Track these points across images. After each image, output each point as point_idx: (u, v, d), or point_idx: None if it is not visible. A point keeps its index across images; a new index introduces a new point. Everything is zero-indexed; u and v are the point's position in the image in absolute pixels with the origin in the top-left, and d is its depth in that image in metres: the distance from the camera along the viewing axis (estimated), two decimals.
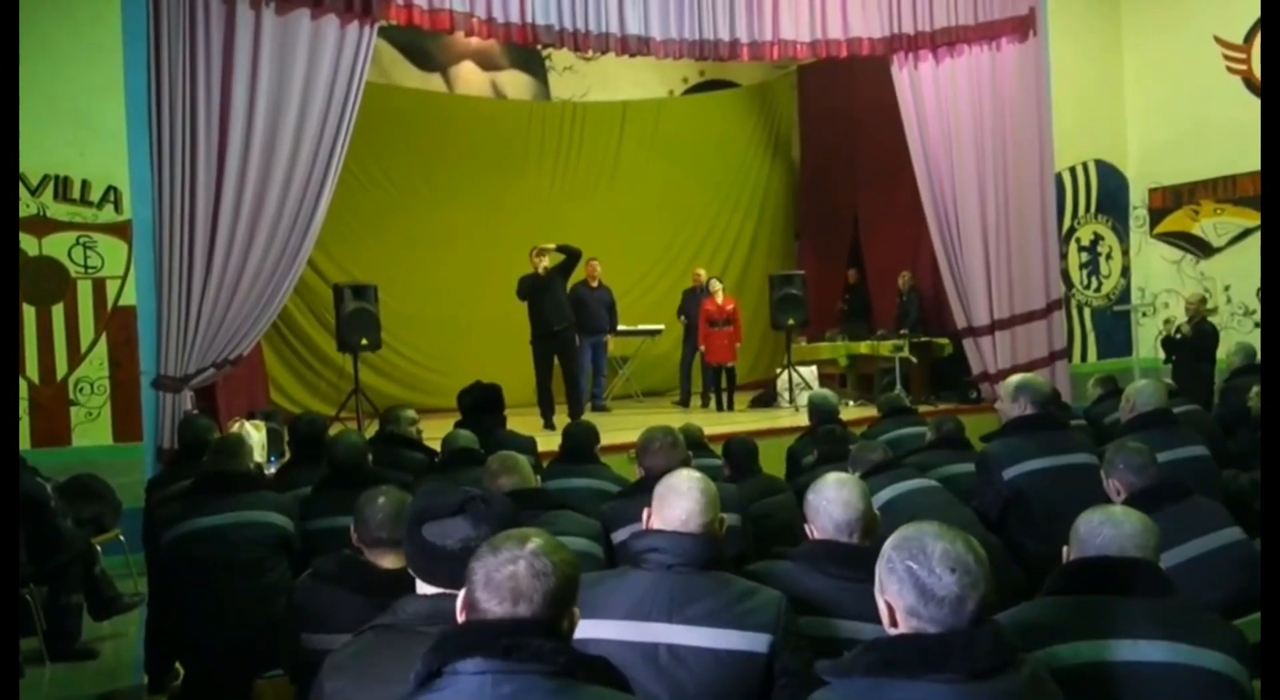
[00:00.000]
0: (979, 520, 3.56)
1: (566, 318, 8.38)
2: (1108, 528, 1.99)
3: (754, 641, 2.01)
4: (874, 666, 1.54)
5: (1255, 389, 5.29)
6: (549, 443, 5.58)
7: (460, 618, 1.56)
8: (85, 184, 6.16)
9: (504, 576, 1.50)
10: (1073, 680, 1.72)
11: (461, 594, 1.55)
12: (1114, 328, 9.87)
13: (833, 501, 2.34)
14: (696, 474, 2.28)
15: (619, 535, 3.15)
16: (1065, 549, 2.08)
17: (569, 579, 1.54)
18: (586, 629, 1.97)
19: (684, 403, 10.09)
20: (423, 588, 1.95)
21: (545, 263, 8.39)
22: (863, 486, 2.42)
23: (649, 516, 2.25)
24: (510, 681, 1.43)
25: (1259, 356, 6.49)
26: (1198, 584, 2.68)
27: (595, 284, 9.46)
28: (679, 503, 2.17)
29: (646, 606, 2.06)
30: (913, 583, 1.58)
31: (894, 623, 1.62)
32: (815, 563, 2.29)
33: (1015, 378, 4.12)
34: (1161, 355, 8.99)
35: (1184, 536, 2.74)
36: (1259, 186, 8.88)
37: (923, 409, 7.54)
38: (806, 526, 2.42)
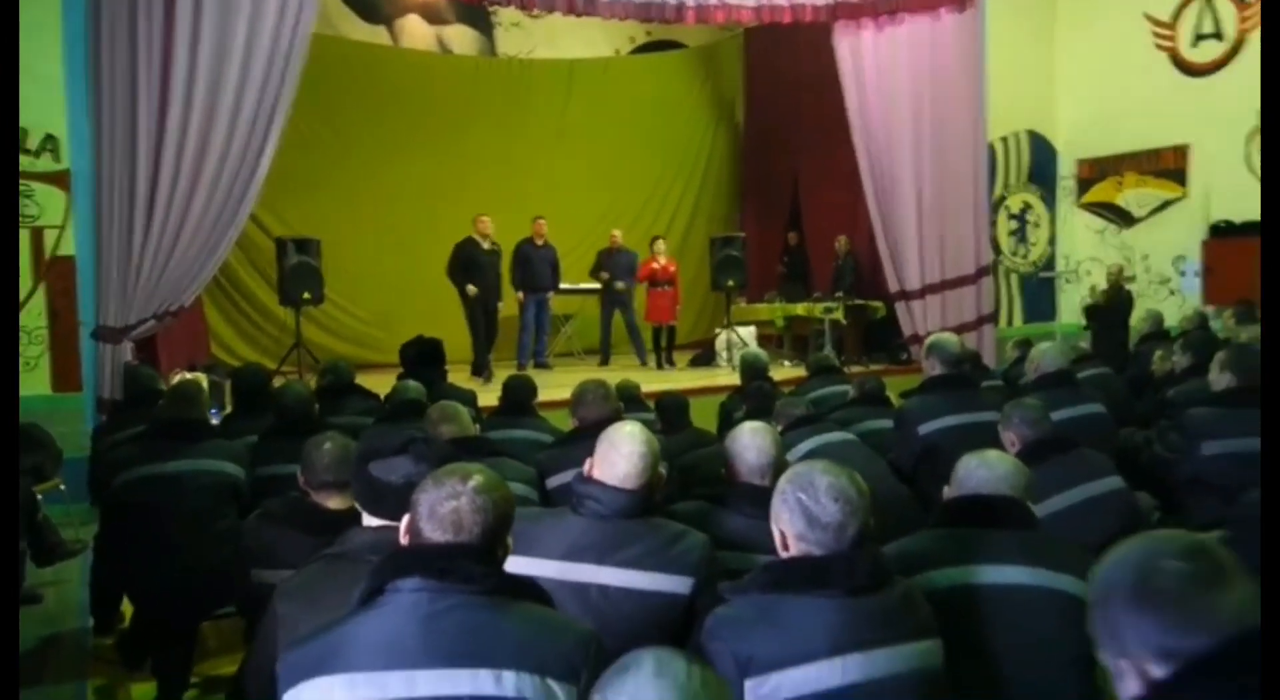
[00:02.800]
0: (893, 471, 3.81)
1: (495, 292, 8.89)
2: (982, 470, 2.23)
3: (678, 584, 2.20)
4: (767, 585, 1.76)
5: (1159, 353, 5.63)
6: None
7: (404, 542, 1.72)
8: (23, 132, 6.09)
9: (447, 510, 1.67)
10: (947, 601, 1.96)
11: (405, 520, 1.72)
12: (1039, 293, 10.25)
13: (748, 448, 2.55)
14: (641, 432, 2.39)
15: (553, 481, 3.33)
16: (945, 488, 2.31)
17: (505, 515, 1.72)
18: (526, 566, 2.15)
19: (604, 361, 10.11)
20: (368, 520, 2.12)
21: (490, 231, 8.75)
22: (775, 434, 2.63)
23: (590, 465, 2.39)
24: (444, 599, 1.60)
25: (1166, 323, 6.87)
26: (1079, 527, 2.94)
27: (540, 242, 9.53)
28: (621, 463, 2.31)
29: (581, 549, 2.24)
30: (802, 511, 1.80)
31: (785, 547, 1.85)
32: (734, 504, 2.50)
33: (930, 338, 4.37)
34: (1083, 321, 9.39)
35: (1069, 484, 3.00)
36: (1179, 160, 9.28)
37: (854, 369, 7.81)
38: (725, 471, 2.62)
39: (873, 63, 8.99)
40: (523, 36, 11.66)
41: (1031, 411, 3.15)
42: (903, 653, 1.78)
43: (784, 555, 1.86)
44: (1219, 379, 3.65)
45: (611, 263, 9.85)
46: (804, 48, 10.39)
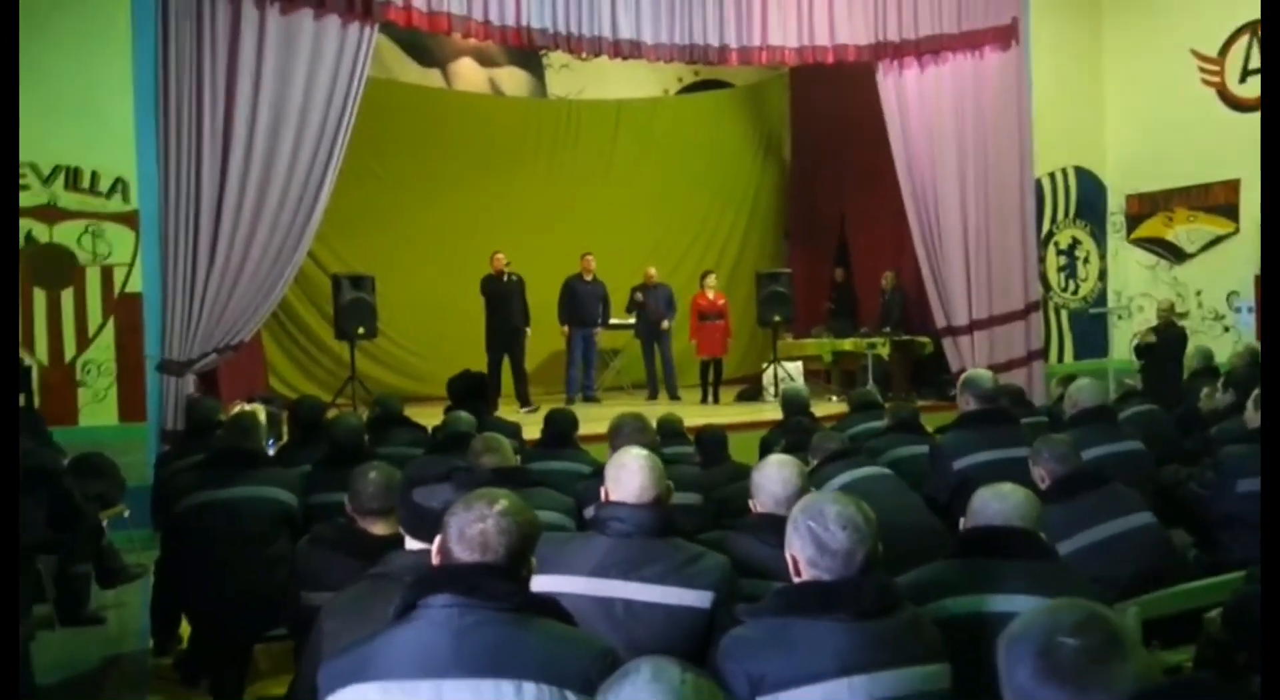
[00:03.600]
0: (927, 505, 3.84)
1: (518, 320, 9.21)
2: (995, 502, 2.30)
3: (699, 598, 2.30)
4: (780, 608, 1.86)
5: (1205, 390, 5.59)
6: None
7: (435, 562, 1.85)
8: (94, 175, 6.43)
9: (474, 532, 1.79)
10: (958, 627, 2.03)
11: (437, 541, 1.84)
12: (1090, 330, 10.16)
13: (773, 480, 2.64)
14: (642, 451, 2.56)
15: (591, 511, 3.43)
16: (962, 520, 2.38)
17: (529, 536, 1.84)
18: (556, 584, 2.27)
19: (653, 395, 10.21)
20: (411, 544, 2.24)
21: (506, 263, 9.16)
22: (800, 466, 2.72)
23: (606, 492, 2.53)
24: (472, 614, 1.72)
25: (1216, 359, 6.79)
26: (1109, 562, 2.98)
27: (589, 277, 9.70)
28: (632, 479, 2.46)
29: (606, 566, 2.35)
30: (812, 539, 1.89)
31: (797, 573, 1.94)
32: (757, 532, 2.59)
33: (964, 374, 4.41)
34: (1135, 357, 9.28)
35: (1098, 519, 3.03)
36: (1230, 195, 9.19)
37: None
38: (751, 501, 2.71)
39: (916, 101, 9.07)
40: (572, 77, 11.94)
41: (1060, 447, 3.19)
42: (908, 675, 1.85)
43: (796, 580, 1.95)
44: (1254, 417, 3.65)
45: (647, 297, 9.99)
46: (849, 86, 10.46)
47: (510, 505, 1.83)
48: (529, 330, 9.39)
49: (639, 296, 10.05)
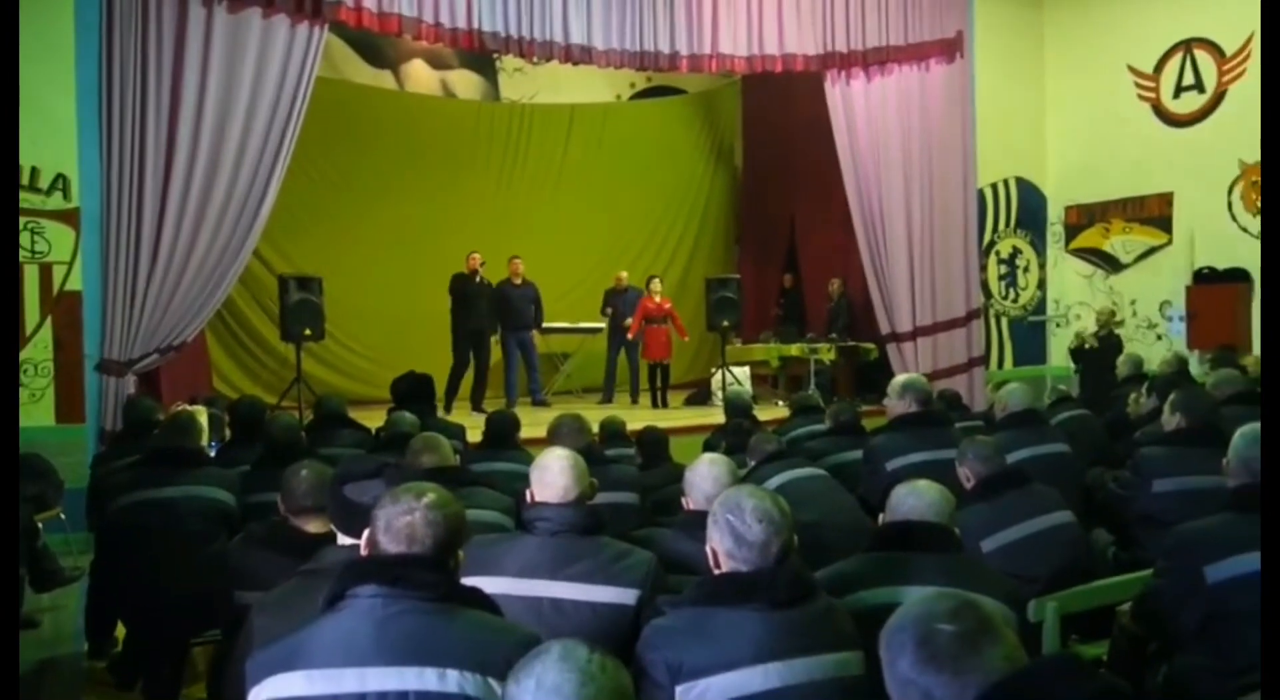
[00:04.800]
0: (861, 505, 3.94)
1: (486, 322, 9.24)
2: (911, 498, 2.39)
3: (624, 596, 2.35)
4: (699, 599, 1.93)
5: (1133, 396, 5.77)
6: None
7: (364, 554, 1.88)
8: (35, 171, 6.33)
9: (401, 524, 1.83)
10: (874, 619, 2.08)
11: (365, 534, 1.88)
12: (1030, 337, 10.40)
13: (705, 478, 2.71)
14: (564, 451, 2.63)
15: None
16: (880, 515, 2.46)
17: (456, 529, 1.88)
18: (483, 584, 2.29)
19: (608, 399, 10.29)
20: (343, 540, 2.27)
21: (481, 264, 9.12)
22: (732, 465, 2.79)
23: (531, 494, 2.59)
24: (397, 603, 1.76)
25: (1148, 366, 7.01)
26: (1029, 559, 3.09)
27: (519, 281, 9.66)
28: (557, 480, 2.52)
29: (533, 566, 2.39)
30: (730, 531, 1.96)
31: (717, 564, 2.02)
32: (688, 529, 2.65)
33: (901, 378, 4.53)
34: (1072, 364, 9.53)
35: (1019, 518, 3.14)
36: (1163, 208, 9.48)
37: None
38: (683, 499, 2.78)
39: (863, 111, 9.23)
40: (526, 82, 11.96)
41: (984, 448, 3.30)
42: (822, 662, 1.93)
43: (716, 572, 2.02)
44: (1169, 420, 3.80)
45: (619, 301, 10.06)
46: (800, 94, 10.62)
47: (438, 498, 1.87)
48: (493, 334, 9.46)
49: (613, 300, 10.17)
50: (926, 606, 1.42)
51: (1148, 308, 9.67)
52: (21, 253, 6.30)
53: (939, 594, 1.46)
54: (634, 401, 10.09)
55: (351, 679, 1.69)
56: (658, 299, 10.09)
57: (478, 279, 9.24)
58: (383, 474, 2.29)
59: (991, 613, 1.40)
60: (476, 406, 9.14)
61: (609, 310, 10.18)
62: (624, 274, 10.40)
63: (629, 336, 10.00)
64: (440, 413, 7.96)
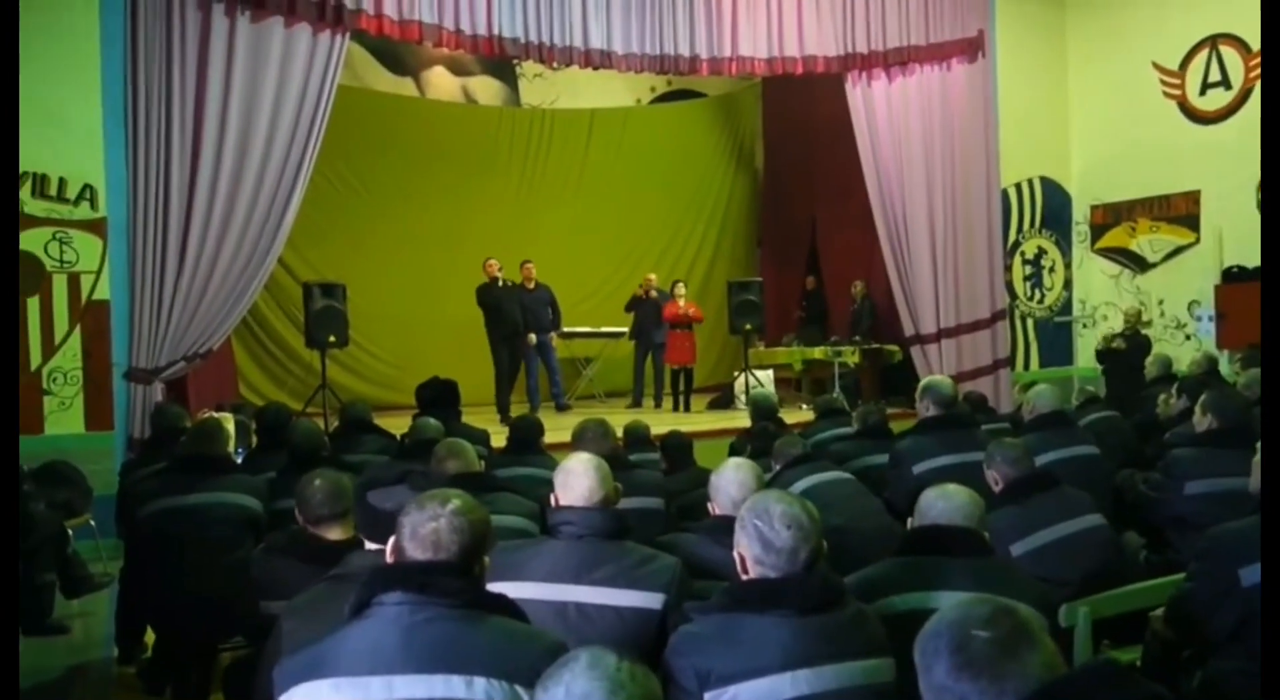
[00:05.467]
0: (887, 509, 3.91)
1: (519, 324, 9.11)
2: (941, 502, 2.36)
3: (650, 600, 2.34)
4: (727, 605, 1.92)
5: (1163, 397, 5.70)
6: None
7: (389, 561, 1.88)
8: (62, 181, 6.40)
9: (427, 531, 1.83)
10: (903, 623, 2.06)
11: (391, 542, 1.88)
12: (1056, 338, 10.31)
13: (730, 482, 2.70)
14: (588, 455, 2.63)
15: None
16: (907, 520, 2.44)
17: (481, 535, 1.88)
18: (509, 589, 2.29)
19: (636, 403, 10.28)
20: (370, 546, 2.27)
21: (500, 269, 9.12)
22: (757, 470, 2.77)
23: (556, 498, 2.58)
24: (424, 611, 1.76)
25: (1176, 367, 6.93)
26: (1060, 563, 3.05)
27: (532, 285, 9.55)
28: (579, 482, 2.51)
29: (559, 571, 2.38)
30: (758, 537, 1.95)
31: (745, 570, 2.00)
32: (714, 534, 2.63)
33: (924, 380, 4.48)
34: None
35: (1049, 521, 3.10)
36: (1190, 206, 9.37)
37: None
38: (709, 504, 2.76)
39: (884, 112, 9.18)
40: (546, 87, 11.99)
41: (1012, 451, 3.26)
42: (851, 669, 1.91)
43: (743, 578, 2.00)
44: (1201, 421, 3.75)
45: (647, 305, 10.05)
46: (821, 96, 10.58)
47: (463, 505, 1.87)
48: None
49: (643, 304, 10.16)
50: (962, 612, 1.40)
51: (1176, 307, 9.56)
52: (49, 262, 6.38)
53: (975, 599, 1.44)
54: (657, 405, 10.07)
55: (379, 687, 1.68)
56: (681, 303, 10.07)
57: (500, 283, 9.19)
58: (407, 480, 2.29)
59: (1029, 618, 1.38)
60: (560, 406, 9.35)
61: (640, 292, 10.19)
62: (653, 277, 10.42)
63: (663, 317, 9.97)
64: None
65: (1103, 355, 9.13)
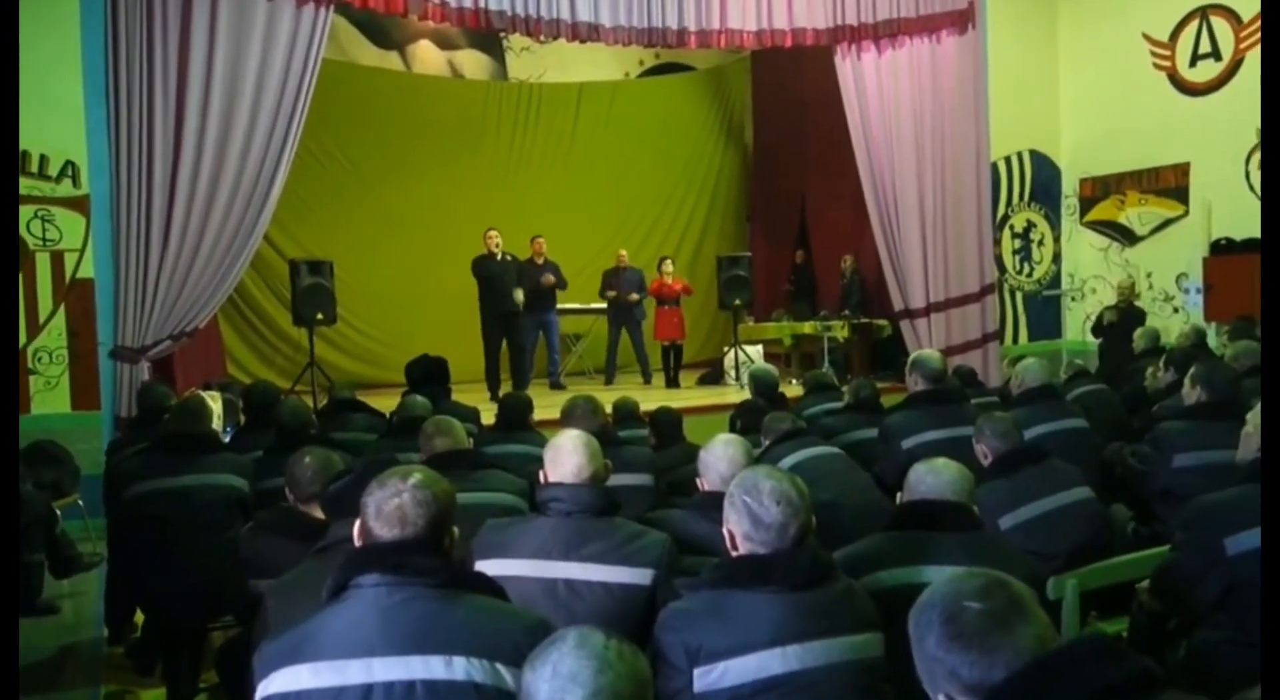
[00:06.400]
0: (877, 484, 3.91)
1: (515, 302, 8.89)
2: (930, 476, 2.36)
3: (639, 576, 2.34)
4: (716, 581, 1.92)
5: (1150, 369, 5.72)
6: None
7: (357, 543, 1.88)
8: (44, 159, 6.33)
9: (391, 507, 1.82)
10: (892, 599, 2.08)
11: (357, 524, 1.87)
12: (1044, 311, 10.32)
13: (719, 458, 2.69)
14: (577, 432, 2.63)
15: None
16: (899, 495, 2.44)
17: (446, 505, 1.86)
18: (497, 567, 2.30)
19: (609, 380, 10.16)
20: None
21: (499, 243, 8.80)
22: (747, 446, 2.77)
23: (545, 475, 2.57)
24: (401, 591, 1.74)
25: (1165, 339, 6.94)
26: (1049, 535, 3.06)
27: (540, 260, 9.52)
28: (569, 459, 2.51)
29: (548, 547, 2.38)
30: (747, 513, 1.94)
31: (734, 546, 1.99)
32: (703, 510, 2.64)
33: (912, 355, 4.48)
34: (1090, 337, 9.45)
35: (1038, 494, 3.11)
36: (1180, 178, 9.37)
37: None
38: (698, 480, 2.76)
39: (874, 84, 9.13)
40: (533, 61, 11.89)
41: (1001, 424, 3.26)
42: (840, 644, 1.91)
43: (733, 554, 2.00)
44: (1190, 393, 3.75)
45: (619, 281, 9.99)
46: (810, 69, 10.51)
47: (424, 478, 1.86)
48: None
49: (613, 280, 10.01)
50: (956, 584, 1.40)
51: (1164, 280, 9.57)
52: (33, 241, 6.31)
53: (969, 572, 1.43)
54: (645, 381, 10.05)
55: (358, 670, 1.68)
56: (669, 280, 10.04)
57: (499, 257, 9.03)
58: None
59: (1022, 592, 1.37)
60: (556, 383, 9.27)
61: (610, 292, 10.02)
62: (624, 253, 10.27)
63: (632, 299, 9.86)
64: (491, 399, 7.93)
65: (1097, 329, 9.14)
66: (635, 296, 9.94)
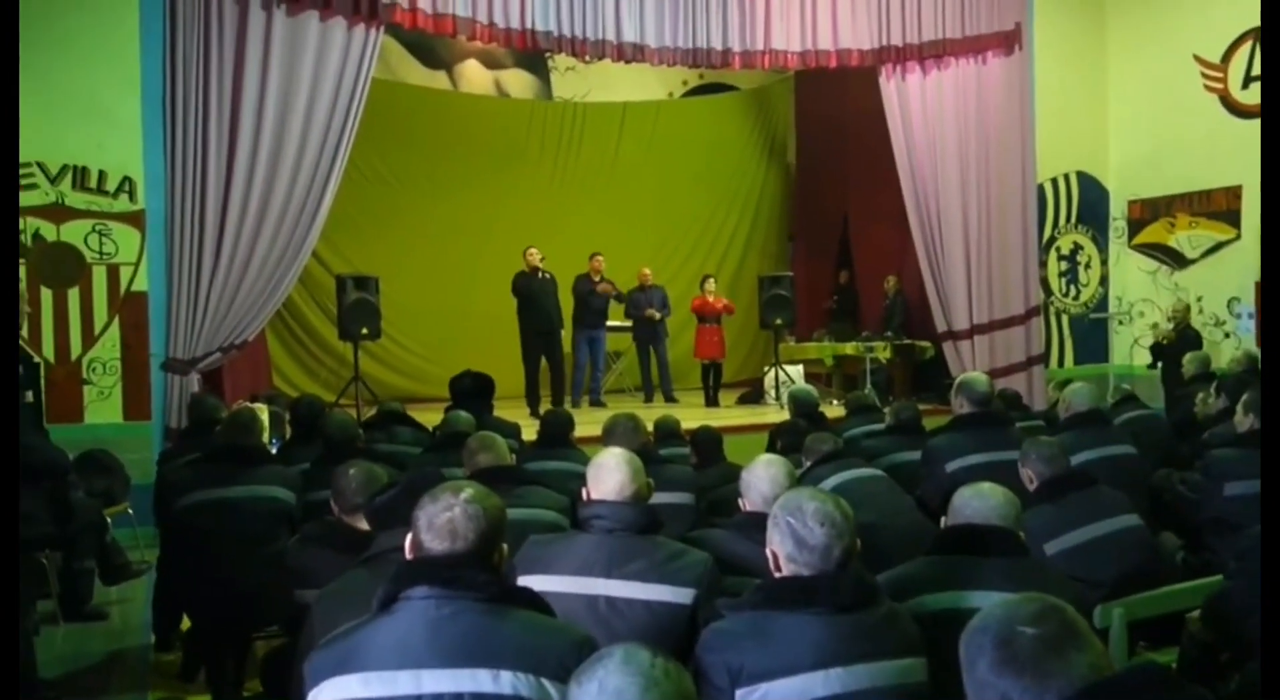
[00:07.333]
0: (919, 507, 3.88)
1: (555, 319, 8.92)
2: (975, 501, 2.34)
3: (680, 595, 2.34)
4: (759, 602, 1.91)
5: (1200, 395, 5.62)
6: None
7: (409, 556, 1.90)
8: (102, 174, 6.50)
9: (443, 520, 1.85)
10: (936, 623, 2.07)
11: (409, 538, 1.90)
12: (1091, 335, 10.17)
13: (761, 478, 2.69)
14: (619, 449, 2.65)
15: None
16: (943, 519, 2.42)
17: (497, 521, 1.89)
18: (539, 583, 2.31)
19: (648, 399, 10.14)
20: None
21: (539, 259, 8.84)
22: (789, 466, 2.76)
23: (587, 492, 2.59)
24: (450, 604, 1.77)
25: (1216, 364, 6.81)
26: (1095, 562, 3.02)
27: (597, 278, 9.58)
28: (611, 477, 2.52)
29: (589, 564, 2.39)
30: (791, 534, 1.94)
31: (778, 568, 1.99)
32: (745, 530, 2.63)
33: (958, 378, 4.44)
34: (1137, 361, 9.30)
35: (1084, 520, 3.07)
36: (1231, 201, 9.21)
37: None
38: (740, 500, 2.76)
39: (919, 106, 9.09)
40: (578, 80, 11.99)
41: (1048, 449, 3.23)
42: (884, 668, 1.90)
43: (776, 576, 2.00)
44: (1243, 421, 3.69)
45: (643, 300, 10.00)
46: (854, 89, 10.47)
47: (476, 493, 1.89)
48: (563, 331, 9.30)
49: (636, 298, 10.01)
50: (1010, 608, 1.38)
51: (1215, 305, 9.40)
52: (89, 254, 6.48)
53: (1024, 597, 1.41)
54: (667, 399, 9.95)
55: (407, 681, 1.70)
56: (711, 298, 10.04)
57: (540, 275, 9.10)
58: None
59: (1076, 618, 1.35)
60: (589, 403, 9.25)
61: (632, 310, 10.01)
62: (648, 271, 10.27)
63: (653, 316, 9.84)
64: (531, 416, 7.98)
65: (1156, 350, 9.00)
66: (657, 314, 9.92)
